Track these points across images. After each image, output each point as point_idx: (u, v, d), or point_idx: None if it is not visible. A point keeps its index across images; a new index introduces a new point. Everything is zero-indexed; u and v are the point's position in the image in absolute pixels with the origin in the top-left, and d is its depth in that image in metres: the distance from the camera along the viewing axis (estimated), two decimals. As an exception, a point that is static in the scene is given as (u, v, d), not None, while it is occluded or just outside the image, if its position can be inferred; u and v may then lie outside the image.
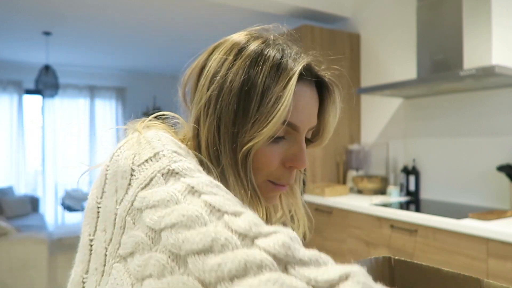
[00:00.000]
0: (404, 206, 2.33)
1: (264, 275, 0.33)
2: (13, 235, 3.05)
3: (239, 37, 0.56)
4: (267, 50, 0.53)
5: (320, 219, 2.65)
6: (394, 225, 2.12)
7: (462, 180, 2.40)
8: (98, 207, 0.48)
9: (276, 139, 0.53)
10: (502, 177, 2.17)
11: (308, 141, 0.60)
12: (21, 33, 4.05)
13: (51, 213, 5.65)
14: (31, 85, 5.13)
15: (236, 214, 0.39)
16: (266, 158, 0.53)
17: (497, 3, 2.05)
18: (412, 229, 2.02)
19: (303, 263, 0.35)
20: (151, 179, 0.43)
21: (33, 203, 4.98)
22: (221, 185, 0.45)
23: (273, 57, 0.52)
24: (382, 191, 2.73)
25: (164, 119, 0.58)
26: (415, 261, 0.54)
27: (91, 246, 0.48)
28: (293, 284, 0.32)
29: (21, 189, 5.38)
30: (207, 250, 0.36)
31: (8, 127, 5.39)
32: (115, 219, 0.45)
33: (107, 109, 6.06)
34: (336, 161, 3.00)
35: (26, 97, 5.60)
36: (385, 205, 2.29)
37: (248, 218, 0.38)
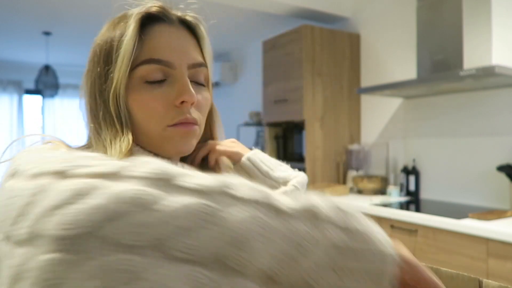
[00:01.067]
0: (404, 206, 2.33)
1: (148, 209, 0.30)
2: (13, 235, 3.05)
3: None
4: (125, 12, 0.57)
5: (320, 219, 2.64)
6: (394, 225, 2.12)
7: (462, 180, 2.40)
8: None
9: (155, 83, 0.54)
10: (502, 177, 2.17)
11: (203, 86, 0.60)
12: (21, 33, 4.05)
13: (51, 213, 5.64)
14: (31, 85, 5.13)
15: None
16: (149, 102, 0.53)
17: (497, 3, 2.05)
18: (412, 229, 2.02)
19: (184, 175, 0.34)
20: None
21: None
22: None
23: (124, 13, 0.56)
24: (382, 191, 2.73)
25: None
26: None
27: None
28: (180, 201, 0.31)
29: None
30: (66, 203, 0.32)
31: (8, 127, 5.39)
32: None
33: (107, 109, 6.05)
34: (336, 161, 3.00)
35: (26, 97, 5.60)
36: (385, 205, 2.29)
37: (112, 163, 0.36)
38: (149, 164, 0.34)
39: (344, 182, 2.99)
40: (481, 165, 2.30)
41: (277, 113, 3.11)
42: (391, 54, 2.85)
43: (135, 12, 0.54)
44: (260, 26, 3.66)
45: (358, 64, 3.11)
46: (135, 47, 0.52)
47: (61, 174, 0.33)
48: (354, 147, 2.95)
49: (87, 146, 0.56)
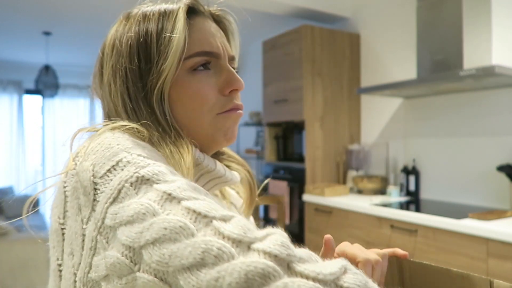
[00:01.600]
0: (404, 206, 2.33)
1: (269, 285, 0.32)
2: (13, 235, 3.05)
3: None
4: (152, 7, 0.55)
5: (320, 219, 2.65)
6: (394, 225, 2.12)
7: (462, 180, 2.40)
8: (62, 229, 0.44)
9: (201, 72, 0.53)
10: (502, 177, 2.17)
11: None
12: (21, 33, 4.05)
13: (51, 213, 5.64)
14: (31, 85, 5.13)
15: (225, 219, 0.36)
16: (199, 92, 0.53)
17: (497, 3, 2.05)
18: (412, 229, 2.02)
19: (303, 260, 0.35)
20: (119, 191, 0.39)
21: (33, 203, 4.97)
22: (199, 187, 0.42)
23: (159, 8, 0.54)
24: (382, 191, 2.73)
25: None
26: (424, 262, 0.53)
27: (60, 272, 0.44)
28: (301, 285, 0.32)
29: (21, 188, 5.38)
30: (199, 264, 0.33)
31: (8, 127, 5.39)
32: (83, 240, 0.41)
33: (107, 109, 6.06)
34: (336, 161, 3.00)
35: (26, 97, 5.60)
36: (385, 205, 2.29)
37: (239, 223, 0.36)
38: (274, 237, 0.36)
39: (344, 182, 2.99)
40: (481, 165, 2.30)
41: (277, 113, 3.11)
42: (391, 54, 2.85)
43: (180, 6, 0.53)
44: (260, 26, 3.66)
45: (358, 64, 3.11)
46: (186, 41, 0.52)
47: (244, 245, 0.35)
48: (354, 147, 2.95)
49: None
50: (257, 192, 0.69)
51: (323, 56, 2.93)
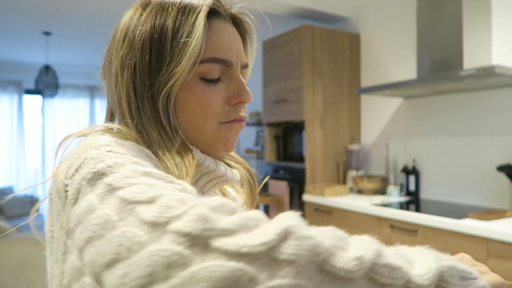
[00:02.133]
0: (404, 206, 2.33)
1: (172, 279, 0.26)
2: (13, 235, 3.05)
3: None
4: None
5: (320, 219, 2.65)
6: (394, 225, 2.12)
7: (462, 180, 2.40)
8: (52, 237, 0.42)
9: (212, 81, 0.52)
10: (502, 177, 2.17)
11: None
12: (21, 33, 4.05)
13: (51, 213, 5.64)
14: (31, 85, 5.13)
15: (150, 201, 0.32)
16: (207, 99, 0.51)
17: (497, 3, 2.05)
18: (412, 229, 2.02)
19: (228, 232, 0.29)
20: (79, 191, 0.37)
21: (33, 203, 4.98)
22: (154, 170, 0.38)
23: (179, 3, 0.51)
24: (382, 191, 2.73)
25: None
26: None
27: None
28: (215, 270, 0.26)
29: (21, 189, 5.38)
30: (115, 260, 0.29)
31: (8, 127, 5.39)
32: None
33: (107, 109, 6.06)
34: (336, 161, 3.00)
35: (26, 97, 5.60)
36: (385, 205, 2.29)
37: (163, 201, 0.31)
38: (194, 210, 0.31)
39: (344, 182, 2.99)
40: (481, 165, 2.30)
41: (277, 113, 3.11)
42: (391, 54, 2.85)
43: (201, 7, 0.50)
44: (260, 26, 3.65)
45: (358, 64, 3.11)
46: (203, 46, 0.49)
47: (160, 227, 0.30)
48: (354, 147, 2.95)
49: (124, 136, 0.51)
50: (258, 189, 0.68)
51: (323, 56, 2.93)
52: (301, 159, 3.06)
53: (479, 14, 2.08)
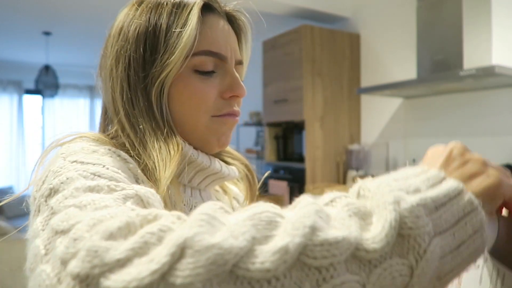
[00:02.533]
0: (404, 206, 2.33)
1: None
2: (13, 235, 3.05)
3: None
4: None
5: (320, 219, 2.64)
6: (394, 225, 2.12)
7: (462, 180, 2.40)
8: None
9: (206, 73, 0.52)
10: (502, 177, 2.17)
11: None
12: (21, 33, 4.05)
13: (51, 213, 5.65)
14: (31, 85, 5.13)
15: (68, 231, 0.29)
16: (200, 91, 0.52)
17: (497, 3, 2.05)
18: (412, 229, 2.02)
19: (121, 263, 0.25)
20: (39, 208, 0.36)
21: (33, 203, 4.98)
22: (100, 183, 0.36)
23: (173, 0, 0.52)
24: (382, 191, 2.72)
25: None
26: None
27: None
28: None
29: (21, 189, 5.38)
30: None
31: (8, 127, 5.39)
32: None
33: (107, 109, 6.06)
34: (336, 161, 3.00)
35: (26, 97, 5.60)
36: (385, 205, 2.29)
37: (74, 231, 0.28)
38: (83, 243, 0.28)
39: (344, 182, 2.99)
40: (481, 165, 2.30)
41: (277, 113, 3.11)
42: (391, 54, 2.85)
43: (195, 1, 0.52)
44: (260, 26, 3.65)
45: (358, 64, 3.11)
46: (196, 38, 0.50)
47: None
48: (354, 147, 2.95)
49: (114, 135, 0.52)
50: (258, 185, 0.67)
51: (323, 56, 2.93)
52: (301, 159, 3.06)
53: (479, 14, 2.08)
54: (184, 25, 0.49)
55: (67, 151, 0.43)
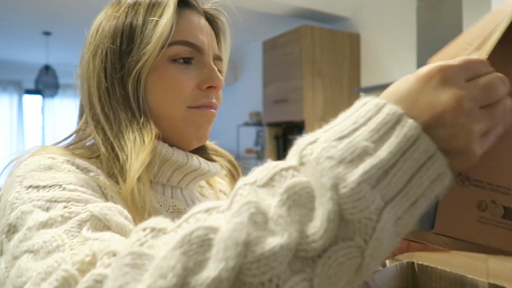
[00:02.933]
0: (404, 206, 2.33)
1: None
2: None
3: None
4: None
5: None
6: (394, 225, 2.12)
7: (462, 180, 2.40)
8: None
9: (184, 63, 0.52)
10: (502, 177, 2.17)
11: None
12: (21, 33, 4.06)
13: (51, 213, 5.65)
14: (31, 85, 5.13)
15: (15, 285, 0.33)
16: (176, 81, 0.52)
17: (497, 3, 2.05)
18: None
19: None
20: (2, 246, 0.37)
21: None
22: (52, 215, 0.36)
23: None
24: (382, 191, 2.72)
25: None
26: (439, 267, 0.51)
27: None
28: None
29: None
30: None
31: (8, 127, 5.39)
32: None
33: (107, 109, 6.07)
34: (336, 161, 2.99)
35: (26, 97, 5.61)
36: (385, 205, 2.29)
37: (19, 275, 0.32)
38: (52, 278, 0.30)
39: (344, 182, 2.99)
40: (481, 165, 2.30)
41: (277, 113, 3.11)
42: (391, 54, 2.85)
43: None
44: (260, 26, 3.66)
45: (358, 64, 3.11)
46: (173, 28, 0.51)
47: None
48: (354, 147, 2.95)
49: (87, 135, 0.52)
50: None
51: (323, 56, 2.93)
52: (301, 159, 3.06)
53: (479, 14, 2.08)
54: (160, 16, 0.51)
55: (24, 172, 0.42)
